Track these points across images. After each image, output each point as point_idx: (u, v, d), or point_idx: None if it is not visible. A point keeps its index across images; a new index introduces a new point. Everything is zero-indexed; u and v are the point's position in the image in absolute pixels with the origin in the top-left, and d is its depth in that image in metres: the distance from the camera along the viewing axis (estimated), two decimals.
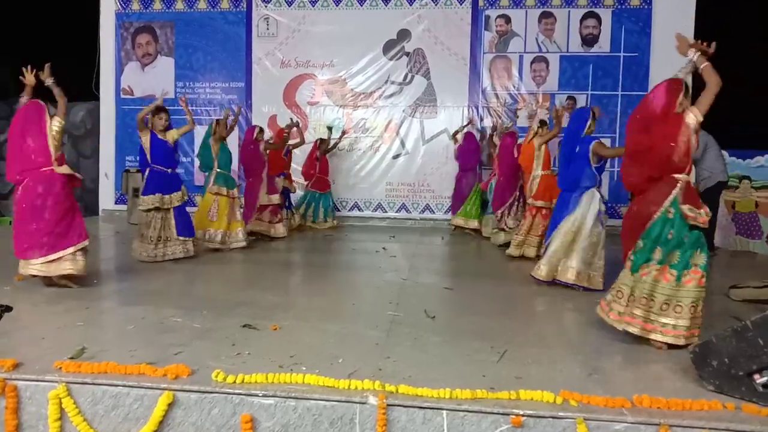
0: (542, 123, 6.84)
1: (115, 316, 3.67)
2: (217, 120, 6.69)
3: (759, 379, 2.44)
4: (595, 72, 9.02)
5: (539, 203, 6.04)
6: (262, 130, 7.31)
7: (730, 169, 7.09)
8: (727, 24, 8.69)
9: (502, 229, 7.01)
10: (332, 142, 9.06)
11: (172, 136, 5.76)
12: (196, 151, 8.27)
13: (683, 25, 8.40)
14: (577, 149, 4.87)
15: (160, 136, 5.68)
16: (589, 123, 4.88)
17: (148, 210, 5.64)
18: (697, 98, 3.26)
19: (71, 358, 2.78)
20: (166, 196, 5.67)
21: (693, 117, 3.21)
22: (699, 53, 3.26)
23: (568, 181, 4.93)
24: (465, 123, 8.87)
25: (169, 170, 5.75)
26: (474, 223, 8.17)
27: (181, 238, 5.77)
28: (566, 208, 4.85)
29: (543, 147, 6.08)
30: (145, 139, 5.65)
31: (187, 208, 5.99)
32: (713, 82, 3.19)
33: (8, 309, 2.56)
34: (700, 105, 3.23)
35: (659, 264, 3.20)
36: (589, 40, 9.06)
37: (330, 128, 9.12)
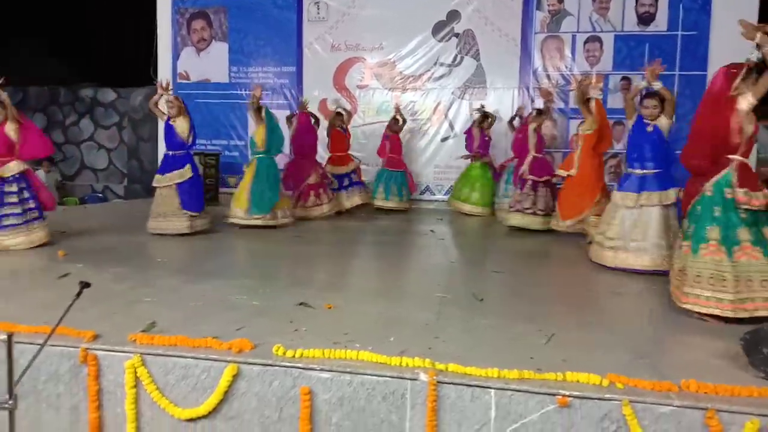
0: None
1: (181, 294, 3.89)
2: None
3: None
4: (651, 51, 8.72)
5: None
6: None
7: None
8: None
9: (519, 211, 7.01)
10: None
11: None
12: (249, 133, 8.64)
13: (746, 0, 8.09)
14: (650, 129, 4.78)
15: (171, 122, 6.30)
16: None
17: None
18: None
19: (143, 331, 3.01)
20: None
21: (745, 101, 3.21)
22: (765, 35, 3.22)
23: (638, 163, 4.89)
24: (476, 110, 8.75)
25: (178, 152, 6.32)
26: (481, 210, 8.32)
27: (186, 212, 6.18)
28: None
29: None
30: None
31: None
32: None
33: (87, 285, 2.76)
34: (756, 89, 3.21)
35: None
36: (645, 19, 8.79)
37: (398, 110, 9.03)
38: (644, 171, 4.80)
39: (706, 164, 3.56)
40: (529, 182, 7.01)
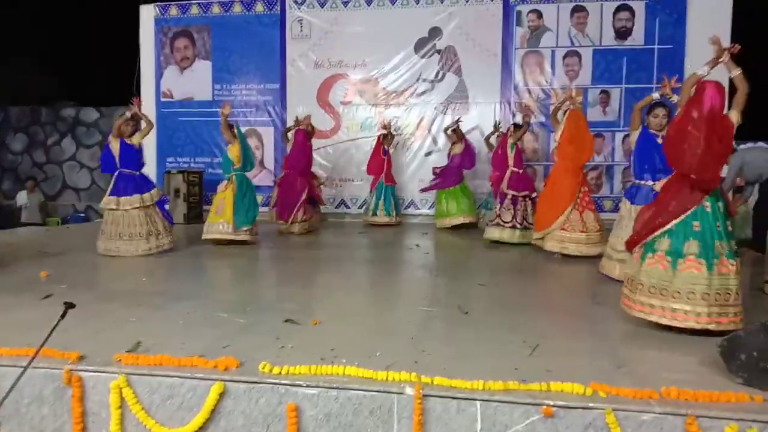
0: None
1: (165, 313, 3.87)
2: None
3: None
4: (629, 65, 8.94)
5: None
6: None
7: None
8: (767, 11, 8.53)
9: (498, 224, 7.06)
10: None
11: (137, 140, 6.30)
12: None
13: (720, 15, 8.32)
14: (660, 140, 4.77)
15: (127, 141, 6.22)
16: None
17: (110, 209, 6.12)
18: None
19: (129, 351, 2.99)
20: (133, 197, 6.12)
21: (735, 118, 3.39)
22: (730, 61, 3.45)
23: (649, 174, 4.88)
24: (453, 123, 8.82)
25: (137, 173, 6.28)
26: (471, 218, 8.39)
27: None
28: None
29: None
30: (115, 145, 6.21)
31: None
32: (744, 91, 3.41)
33: (72, 306, 2.76)
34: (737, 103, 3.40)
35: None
36: (622, 33, 8.99)
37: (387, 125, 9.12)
38: (655, 182, 4.72)
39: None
40: (509, 196, 7.08)
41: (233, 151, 6.81)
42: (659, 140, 4.78)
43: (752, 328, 2.66)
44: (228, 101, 8.17)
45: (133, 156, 6.23)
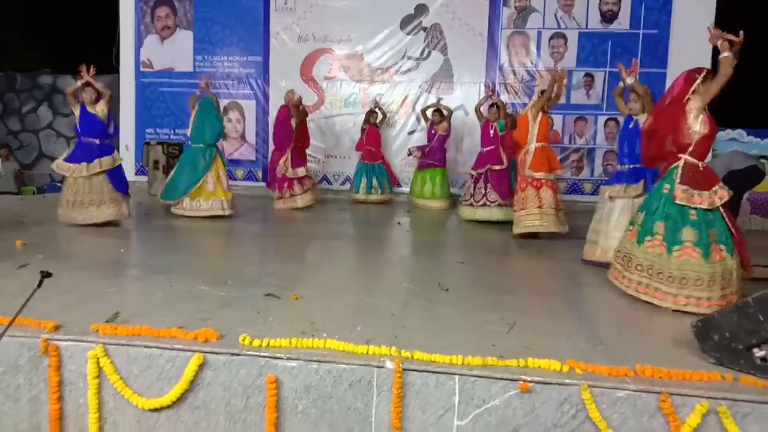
0: (542, 92, 6.33)
1: (145, 284, 3.84)
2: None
3: (758, 353, 2.57)
4: (613, 49, 8.96)
5: (538, 174, 5.85)
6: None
7: (746, 148, 7.10)
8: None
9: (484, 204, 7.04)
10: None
11: (100, 107, 6.07)
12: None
13: (705, 2, 8.35)
14: (631, 125, 4.84)
15: (89, 109, 6.01)
16: None
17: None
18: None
19: (107, 321, 2.97)
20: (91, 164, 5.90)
21: (695, 103, 3.47)
22: (724, 41, 3.44)
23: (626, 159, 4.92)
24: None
25: (96, 141, 6.02)
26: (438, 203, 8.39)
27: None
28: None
29: (539, 117, 5.90)
30: (75, 113, 6.09)
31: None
32: (723, 74, 3.40)
33: (49, 275, 2.72)
34: (706, 93, 3.44)
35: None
36: (608, 17, 8.99)
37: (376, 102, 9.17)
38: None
39: (664, 161, 3.73)
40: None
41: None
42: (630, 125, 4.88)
43: (725, 310, 2.73)
44: (209, 73, 8.08)
45: (94, 124, 6.00)
